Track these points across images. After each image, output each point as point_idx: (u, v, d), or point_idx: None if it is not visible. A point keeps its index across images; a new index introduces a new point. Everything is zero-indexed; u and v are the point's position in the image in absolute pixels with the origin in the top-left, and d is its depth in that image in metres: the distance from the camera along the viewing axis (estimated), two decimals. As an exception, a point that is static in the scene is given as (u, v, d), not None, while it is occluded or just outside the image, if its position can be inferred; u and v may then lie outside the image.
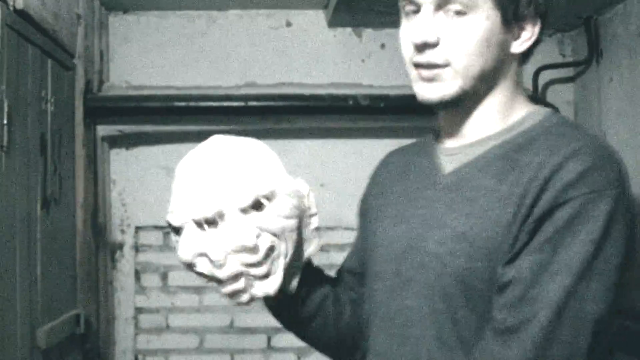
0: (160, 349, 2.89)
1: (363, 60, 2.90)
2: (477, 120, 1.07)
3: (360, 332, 1.18)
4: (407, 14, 1.04)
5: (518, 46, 1.04)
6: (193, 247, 0.98)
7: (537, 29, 1.04)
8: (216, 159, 1.00)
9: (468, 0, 0.98)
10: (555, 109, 1.11)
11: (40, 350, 1.94)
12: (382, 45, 2.90)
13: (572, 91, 3.00)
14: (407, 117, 2.64)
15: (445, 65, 1.01)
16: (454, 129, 1.09)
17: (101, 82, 2.76)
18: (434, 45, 1.00)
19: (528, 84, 2.90)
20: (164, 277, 2.90)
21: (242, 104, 2.69)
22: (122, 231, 2.89)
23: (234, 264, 0.98)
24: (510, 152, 1.02)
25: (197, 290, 2.89)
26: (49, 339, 1.98)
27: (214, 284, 1.04)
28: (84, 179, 2.48)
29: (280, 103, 2.72)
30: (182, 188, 1.00)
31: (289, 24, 2.94)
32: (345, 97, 2.69)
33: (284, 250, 1.02)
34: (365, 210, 1.23)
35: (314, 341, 1.23)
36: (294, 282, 1.08)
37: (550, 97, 2.97)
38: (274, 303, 1.13)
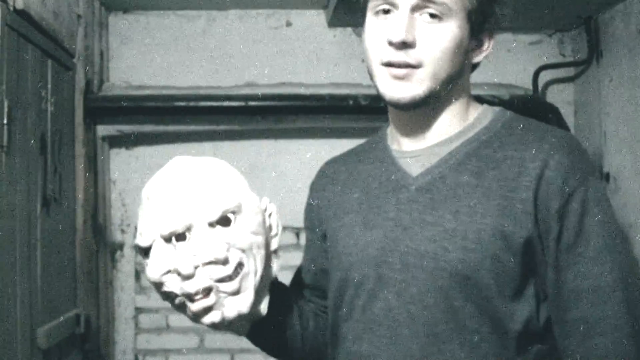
0: (160, 349, 2.89)
1: (363, 60, 2.87)
2: (438, 122, 1.11)
3: (323, 343, 1.20)
4: (377, 13, 1.07)
5: (477, 56, 1.12)
6: (162, 263, 0.96)
7: (492, 43, 1.14)
8: (181, 178, 0.98)
9: (444, 7, 1.03)
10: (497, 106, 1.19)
11: (40, 350, 1.94)
12: (382, 45, 2.90)
13: (572, 91, 3.00)
14: (407, 117, 2.64)
15: (418, 67, 1.04)
16: (414, 132, 1.13)
17: (101, 82, 2.76)
18: (411, 45, 1.03)
19: (528, 84, 2.90)
20: (164, 277, 2.90)
21: (242, 104, 2.69)
22: (122, 231, 2.89)
23: (204, 278, 0.95)
24: (478, 149, 1.07)
25: (197, 290, 2.89)
26: (49, 339, 1.98)
27: (181, 308, 1.01)
28: (84, 179, 2.48)
29: (280, 103, 2.72)
30: (149, 209, 0.98)
31: (289, 24, 2.94)
32: (345, 97, 2.69)
33: (253, 267, 0.99)
34: (318, 222, 1.25)
35: (280, 354, 1.24)
36: (264, 304, 1.05)
37: (550, 97, 2.97)
38: (246, 330, 1.11)
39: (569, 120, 2.92)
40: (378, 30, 1.07)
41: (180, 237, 0.96)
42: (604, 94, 2.71)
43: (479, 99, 1.18)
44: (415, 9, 1.03)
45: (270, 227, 1.06)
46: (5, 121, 1.74)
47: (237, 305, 0.98)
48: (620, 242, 1.03)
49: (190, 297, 0.97)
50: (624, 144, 2.56)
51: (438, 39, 1.04)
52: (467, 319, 1.02)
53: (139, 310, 2.89)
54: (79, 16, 2.46)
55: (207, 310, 0.99)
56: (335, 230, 1.18)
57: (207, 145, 2.90)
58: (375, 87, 1.11)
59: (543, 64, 2.91)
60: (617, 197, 2.62)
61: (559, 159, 1.02)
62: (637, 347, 0.99)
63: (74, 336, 2.29)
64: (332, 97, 2.71)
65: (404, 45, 1.03)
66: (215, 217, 0.96)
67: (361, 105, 2.63)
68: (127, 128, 2.78)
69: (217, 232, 0.96)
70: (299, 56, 2.92)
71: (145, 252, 0.99)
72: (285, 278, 1.26)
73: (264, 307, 1.05)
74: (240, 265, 0.98)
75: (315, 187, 1.30)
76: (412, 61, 1.04)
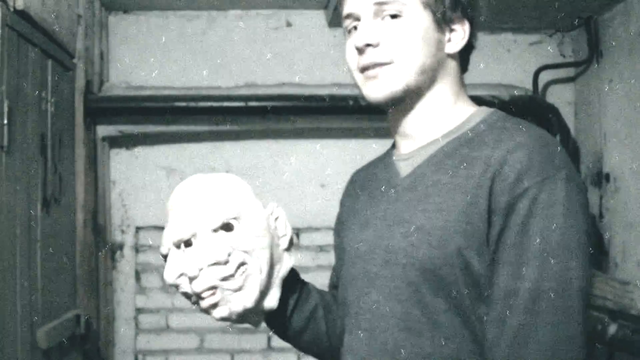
0: (160, 349, 2.89)
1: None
2: (424, 120, 1.15)
3: None
4: (350, 31, 1.16)
5: (452, 46, 1.14)
6: (174, 268, 1.09)
7: (467, 31, 1.14)
8: (190, 191, 1.12)
9: (398, 4, 1.10)
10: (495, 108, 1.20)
11: (40, 350, 1.94)
12: (382, 46, 2.90)
13: (572, 91, 3.00)
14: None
15: (389, 63, 1.10)
16: (406, 133, 1.17)
17: (101, 82, 2.76)
18: (375, 45, 1.10)
19: (528, 84, 2.91)
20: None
21: (242, 104, 2.69)
22: (122, 231, 2.89)
23: (208, 278, 1.08)
24: (459, 148, 1.11)
25: (197, 290, 2.89)
26: (49, 339, 1.98)
27: (198, 306, 1.12)
28: (84, 179, 2.48)
29: (281, 103, 2.72)
30: (168, 221, 1.13)
31: (289, 24, 2.95)
32: (345, 98, 2.69)
33: (258, 266, 1.11)
34: (337, 229, 1.33)
35: (310, 351, 1.31)
36: (273, 299, 1.16)
37: (550, 97, 2.97)
38: (260, 322, 1.19)
39: (569, 120, 2.93)
40: (350, 43, 1.15)
41: (188, 243, 1.09)
42: (604, 94, 2.72)
43: (477, 102, 1.19)
44: (375, 14, 1.11)
45: (277, 229, 1.16)
46: (5, 121, 1.74)
47: (242, 301, 1.10)
48: (568, 250, 0.99)
49: (199, 296, 1.09)
50: (624, 144, 2.56)
51: (400, 33, 1.10)
52: (438, 313, 1.05)
53: (139, 311, 2.89)
54: (79, 16, 2.47)
55: (215, 306, 1.10)
56: (344, 231, 1.26)
57: (207, 146, 2.91)
58: (361, 93, 1.16)
59: (543, 64, 2.91)
60: (617, 197, 2.62)
61: (518, 156, 1.02)
62: (552, 358, 0.98)
63: (74, 336, 2.29)
64: (332, 97, 2.71)
65: (369, 46, 1.11)
66: (217, 224, 1.08)
67: (361, 106, 2.63)
68: (127, 128, 2.78)
69: (220, 237, 1.09)
70: (299, 56, 2.92)
71: (165, 259, 1.13)
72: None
73: (273, 301, 1.15)
74: (242, 264, 1.09)
75: (343, 195, 1.37)
76: (382, 59, 1.10)
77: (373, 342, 1.11)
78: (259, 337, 2.88)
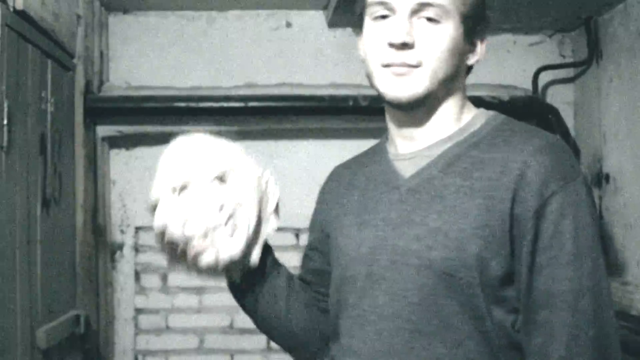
0: (160, 349, 2.89)
1: (363, 61, 2.90)
2: (432, 124, 1.15)
3: (318, 335, 1.26)
4: (376, 18, 1.13)
5: (471, 59, 1.16)
6: (166, 212, 1.11)
7: (484, 47, 1.17)
8: (188, 145, 1.17)
9: (442, 10, 1.08)
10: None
11: (40, 350, 1.94)
12: (382, 46, 2.90)
13: (572, 92, 3.00)
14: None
15: (417, 67, 1.09)
16: (409, 134, 1.17)
17: (101, 82, 2.76)
18: (410, 46, 1.08)
19: (528, 84, 2.91)
20: (164, 277, 2.90)
21: (242, 104, 2.69)
22: (122, 231, 2.89)
23: (201, 223, 1.11)
24: (467, 150, 1.11)
25: (197, 290, 2.89)
26: (49, 339, 1.98)
27: (181, 259, 1.13)
28: (84, 179, 2.48)
29: (281, 103, 2.73)
30: (160, 172, 1.16)
31: (289, 24, 2.95)
32: (345, 98, 2.69)
33: (246, 220, 1.14)
34: (320, 224, 1.30)
35: (262, 327, 1.29)
36: (255, 255, 1.18)
37: (550, 97, 2.97)
38: (237, 278, 1.19)
39: (569, 120, 2.92)
40: (378, 34, 1.12)
41: (182, 188, 1.12)
42: (603, 95, 2.72)
43: (477, 102, 1.20)
44: (413, 13, 1.09)
45: (266, 191, 1.20)
46: (5, 121, 1.74)
47: (230, 249, 1.12)
48: (595, 249, 1.04)
49: (188, 243, 1.11)
50: (624, 144, 2.56)
51: (436, 39, 1.08)
52: (450, 316, 1.05)
53: (138, 311, 2.89)
54: (79, 16, 2.47)
55: (201, 254, 1.11)
56: (336, 231, 1.23)
57: (207, 146, 2.90)
58: (376, 88, 1.15)
59: (543, 64, 2.91)
60: (617, 197, 2.62)
61: (541, 160, 1.04)
62: (598, 354, 1.02)
63: (74, 336, 2.29)
64: (332, 97, 2.71)
65: (404, 46, 1.08)
66: (213, 174, 1.12)
67: (361, 106, 2.64)
68: (127, 128, 2.78)
69: (214, 187, 1.13)
70: (299, 56, 2.92)
71: (154, 209, 1.15)
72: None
73: (255, 258, 1.18)
74: (232, 216, 1.13)
75: (322, 191, 1.35)
76: (411, 61, 1.09)
77: (380, 345, 1.09)
78: (259, 338, 2.88)
